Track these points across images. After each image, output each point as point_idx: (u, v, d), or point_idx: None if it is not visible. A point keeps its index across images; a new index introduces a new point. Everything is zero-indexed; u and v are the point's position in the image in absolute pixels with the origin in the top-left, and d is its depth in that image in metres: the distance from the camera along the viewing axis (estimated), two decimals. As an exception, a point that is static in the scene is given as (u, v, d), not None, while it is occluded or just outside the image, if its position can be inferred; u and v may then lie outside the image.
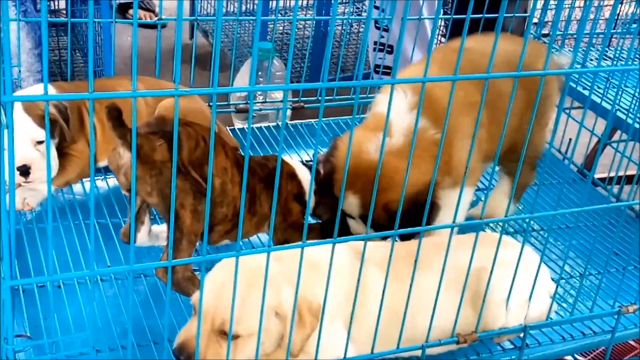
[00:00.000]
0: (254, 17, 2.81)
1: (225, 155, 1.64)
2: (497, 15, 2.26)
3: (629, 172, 2.11)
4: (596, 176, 2.35)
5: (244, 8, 4.07)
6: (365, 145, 1.64)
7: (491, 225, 2.01)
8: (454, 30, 2.48)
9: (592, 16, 2.25)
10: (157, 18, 1.91)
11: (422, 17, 2.76)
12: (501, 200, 1.99)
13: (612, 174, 2.14)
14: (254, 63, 1.03)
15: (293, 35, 0.96)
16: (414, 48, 2.57)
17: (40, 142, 1.77)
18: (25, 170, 1.73)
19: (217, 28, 0.95)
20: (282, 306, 1.35)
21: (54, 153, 1.82)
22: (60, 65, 3.16)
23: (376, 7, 2.70)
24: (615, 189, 2.15)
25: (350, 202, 1.67)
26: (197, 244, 1.62)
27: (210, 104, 1.94)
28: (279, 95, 2.93)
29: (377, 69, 3.10)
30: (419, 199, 1.56)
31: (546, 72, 1.34)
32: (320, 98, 1.15)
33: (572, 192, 2.22)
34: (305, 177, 1.80)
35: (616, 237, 1.83)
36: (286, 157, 1.86)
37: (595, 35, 2.69)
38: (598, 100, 2.43)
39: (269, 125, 2.39)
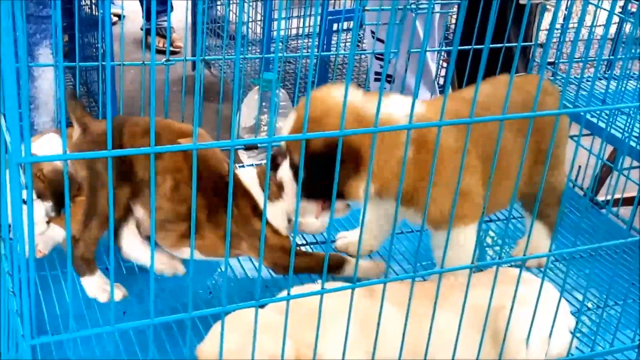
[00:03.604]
0: (259, 56, 2.83)
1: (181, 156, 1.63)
2: (501, 45, 2.29)
3: (632, 194, 2.10)
4: (599, 198, 2.34)
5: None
6: (352, 92, 1.53)
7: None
8: (459, 60, 2.47)
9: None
10: (164, 59, 1.91)
11: (425, 49, 2.78)
12: (538, 239, 1.88)
13: (617, 196, 2.13)
14: (272, 125, 1.03)
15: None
16: (418, 82, 2.56)
17: None
18: None
19: (234, 105, 0.95)
20: (276, 357, 1.33)
21: (41, 217, 1.78)
22: (65, 103, 3.15)
23: (380, 40, 2.70)
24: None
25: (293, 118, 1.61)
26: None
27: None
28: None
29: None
30: (334, 153, 1.26)
31: (560, 111, 1.32)
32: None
33: (585, 221, 2.20)
34: (247, 177, 1.73)
35: (635, 268, 1.82)
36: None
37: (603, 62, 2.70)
38: (603, 125, 2.42)
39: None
